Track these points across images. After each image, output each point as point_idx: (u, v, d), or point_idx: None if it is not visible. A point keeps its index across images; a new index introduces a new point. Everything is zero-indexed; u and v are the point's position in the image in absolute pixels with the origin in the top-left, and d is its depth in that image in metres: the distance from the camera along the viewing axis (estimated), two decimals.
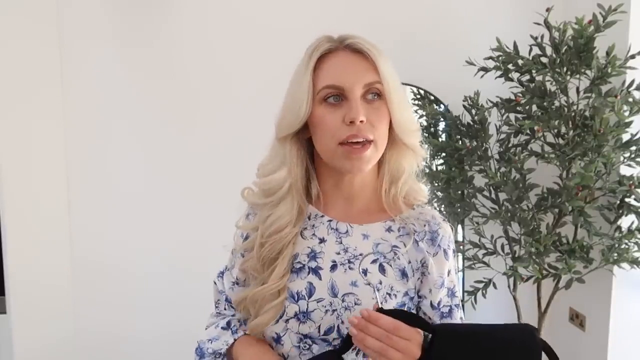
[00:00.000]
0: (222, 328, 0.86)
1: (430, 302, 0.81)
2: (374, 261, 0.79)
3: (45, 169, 1.90)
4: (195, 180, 1.93)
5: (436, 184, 1.86)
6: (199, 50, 1.92)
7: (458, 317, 0.83)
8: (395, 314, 0.69)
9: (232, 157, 1.79)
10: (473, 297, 1.64)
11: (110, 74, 1.92)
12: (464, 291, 1.87)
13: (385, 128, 0.77)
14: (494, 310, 1.94)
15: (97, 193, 1.98)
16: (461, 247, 1.77)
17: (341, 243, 0.80)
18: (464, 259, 1.78)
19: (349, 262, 0.79)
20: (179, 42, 1.92)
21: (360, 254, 0.79)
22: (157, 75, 1.93)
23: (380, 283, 0.78)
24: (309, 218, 0.83)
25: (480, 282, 1.64)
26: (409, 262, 0.80)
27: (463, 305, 1.91)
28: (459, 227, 1.90)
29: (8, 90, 1.72)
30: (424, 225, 0.82)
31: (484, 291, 1.64)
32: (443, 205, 1.87)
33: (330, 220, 0.83)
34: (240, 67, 1.91)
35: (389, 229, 0.82)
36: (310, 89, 0.76)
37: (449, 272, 0.82)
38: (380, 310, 0.68)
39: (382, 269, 0.79)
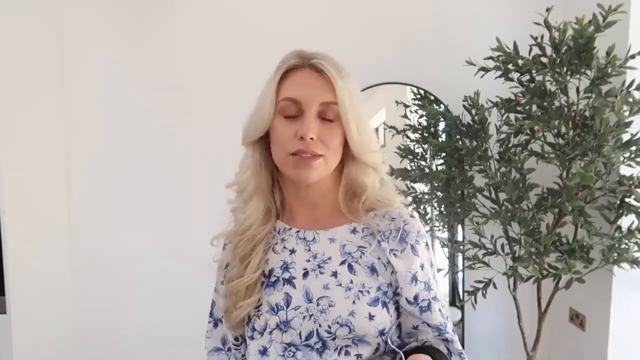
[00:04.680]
0: None
1: (406, 298, 0.82)
2: (342, 262, 0.82)
3: (45, 169, 1.90)
4: (196, 179, 1.93)
5: (436, 184, 1.86)
6: (199, 50, 1.92)
7: (437, 309, 0.84)
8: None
9: (233, 156, 1.79)
10: (473, 297, 1.64)
11: (110, 74, 1.92)
12: (464, 291, 1.87)
13: (337, 146, 0.80)
14: (494, 310, 1.94)
15: (97, 193, 1.98)
16: (461, 247, 1.77)
17: (310, 250, 0.84)
18: (464, 259, 1.78)
19: (319, 267, 0.82)
20: (178, 42, 1.92)
21: (329, 258, 0.82)
22: (157, 75, 1.93)
23: (352, 282, 0.80)
24: (278, 233, 0.87)
25: (480, 282, 1.64)
26: (378, 259, 0.82)
27: (463, 306, 1.91)
28: (459, 227, 1.90)
29: (8, 90, 1.72)
30: (389, 224, 0.84)
31: (484, 291, 1.64)
32: (443, 205, 1.87)
33: (297, 231, 0.86)
34: (241, 67, 1.91)
35: (354, 231, 0.85)
36: (273, 101, 0.80)
37: (422, 266, 0.83)
38: None
39: (351, 269, 0.81)
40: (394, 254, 0.82)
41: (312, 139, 0.77)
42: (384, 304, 0.80)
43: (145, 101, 1.94)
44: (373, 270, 0.81)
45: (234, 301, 0.83)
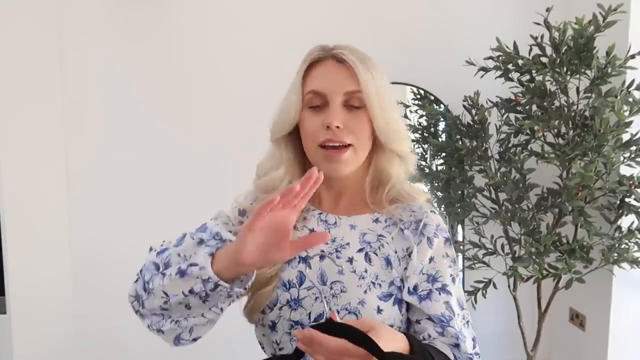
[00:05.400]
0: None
1: (407, 287, 0.81)
2: (359, 250, 0.82)
3: (45, 168, 1.90)
4: (195, 178, 1.93)
5: (436, 184, 1.86)
6: (200, 50, 1.92)
7: (441, 301, 0.80)
8: (345, 329, 0.63)
9: (233, 155, 1.79)
10: (473, 297, 1.64)
11: (110, 73, 1.92)
12: (464, 291, 1.88)
13: (365, 135, 0.81)
14: (494, 310, 1.94)
15: (97, 192, 1.98)
16: (461, 247, 1.77)
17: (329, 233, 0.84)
18: (464, 259, 1.78)
19: (336, 251, 0.82)
20: (179, 41, 1.92)
21: (347, 244, 0.82)
22: (157, 74, 1.93)
23: (366, 271, 0.80)
24: (301, 211, 0.86)
25: (480, 282, 1.64)
26: (395, 252, 0.82)
27: None
28: (459, 227, 1.90)
29: (8, 90, 1.72)
30: (410, 215, 0.85)
31: (484, 291, 1.64)
32: (443, 205, 1.87)
33: (320, 213, 0.87)
34: (242, 66, 1.91)
35: (377, 220, 0.85)
36: (299, 94, 0.81)
37: (431, 258, 0.82)
38: (331, 322, 0.65)
39: (367, 258, 0.81)
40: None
41: (338, 127, 0.77)
42: (397, 301, 0.80)
43: (145, 101, 1.94)
44: (388, 262, 0.82)
45: (252, 291, 0.82)
